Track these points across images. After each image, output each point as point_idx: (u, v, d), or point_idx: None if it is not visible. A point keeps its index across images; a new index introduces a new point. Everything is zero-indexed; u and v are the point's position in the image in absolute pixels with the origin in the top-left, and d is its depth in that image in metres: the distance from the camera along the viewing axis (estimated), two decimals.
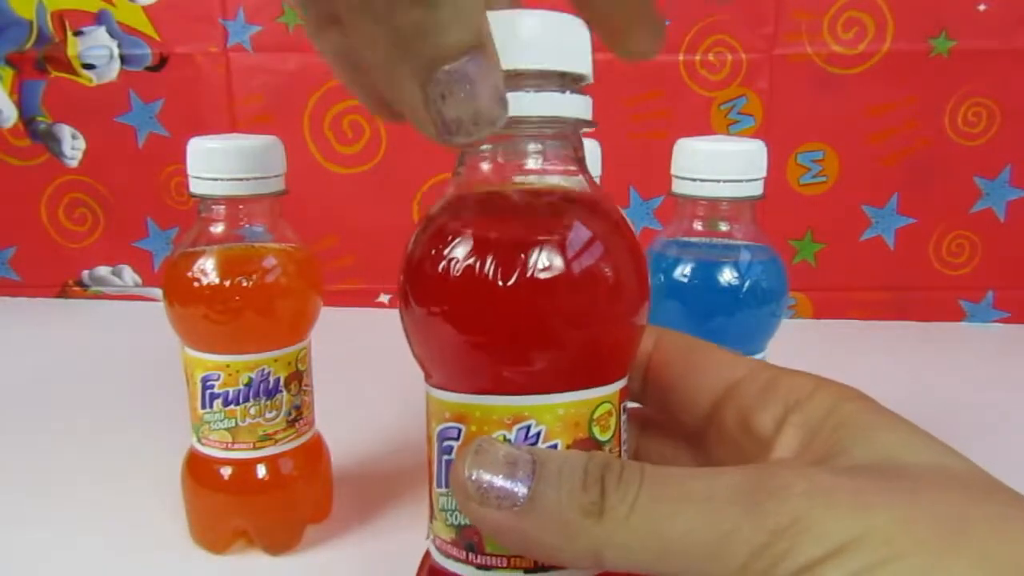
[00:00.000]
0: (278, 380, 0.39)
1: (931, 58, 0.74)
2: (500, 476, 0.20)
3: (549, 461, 0.20)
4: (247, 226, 0.39)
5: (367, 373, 0.64)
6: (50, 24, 0.78)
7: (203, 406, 0.39)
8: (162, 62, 0.78)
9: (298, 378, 0.40)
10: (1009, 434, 0.54)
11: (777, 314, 0.39)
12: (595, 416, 0.22)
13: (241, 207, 0.39)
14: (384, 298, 0.83)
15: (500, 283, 0.20)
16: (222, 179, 0.37)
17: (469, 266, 0.21)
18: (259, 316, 0.38)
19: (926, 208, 0.78)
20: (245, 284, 0.38)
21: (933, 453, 0.20)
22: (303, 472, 0.42)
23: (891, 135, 0.76)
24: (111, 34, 0.78)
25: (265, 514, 0.41)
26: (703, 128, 0.77)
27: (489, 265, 0.20)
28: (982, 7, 0.73)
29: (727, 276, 0.38)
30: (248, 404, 0.39)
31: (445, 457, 0.22)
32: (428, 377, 0.23)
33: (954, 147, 0.76)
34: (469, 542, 0.22)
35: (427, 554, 0.25)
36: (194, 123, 0.78)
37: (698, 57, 0.75)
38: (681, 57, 0.76)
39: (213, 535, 0.41)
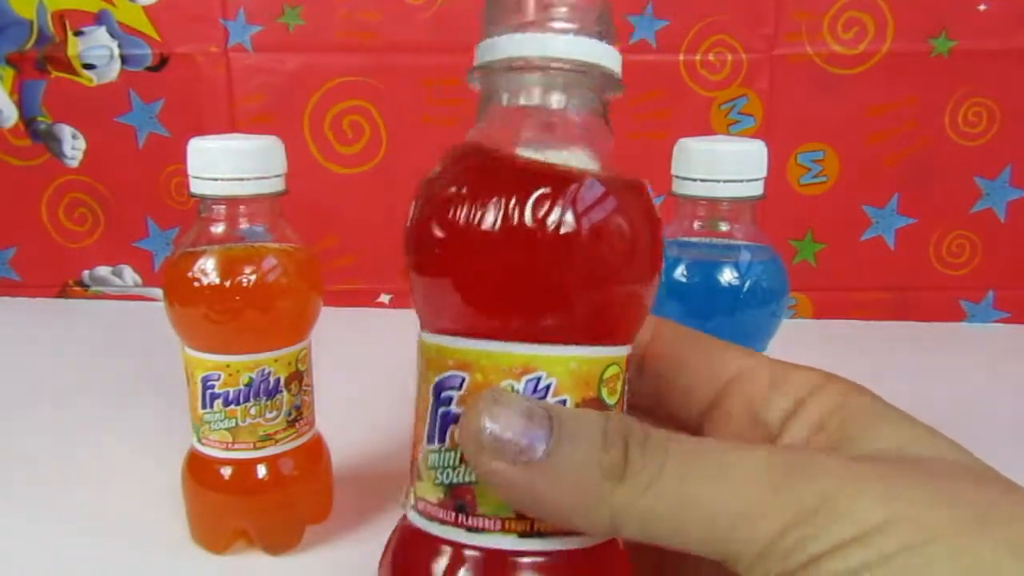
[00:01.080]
0: (278, 380, 0.39)
1: (931, 58, 0.74)
2: (518, 428, 0.19)
3: (567, 418, 0.19)
4: (247, 226, 0.39)
5: (367, 373, 0.64)
6: (50, 24, 0.78)
7: (203, 406, 0.39)
8: (162, 62, 0.78)
9: (298, 378, 0.40)
10: (1009, 434, 0.54)
11: (777, 314, 0.39)
12: (604, 377, 0.21)
13: (241, 207, 0.39)
14: (384, 298, 0.83)
15: (521, 224, 0.20)
16: (222, 179, 0.37)
17: (490, 206, 0.20)
18: (259, 316, 0.38)
19: (926, 208, 0.78)
20: (245, 284, 0.38)
21: (942, 448, 0.20)
22: (303, 472, 0.42)
23: (891, 135, 0.76)
24: (111, 34, 0.78)
25: (265, 514, 0.41)
26: (703, 128, 0.77)
27: (511, 207, 0.20)
28: (982, 7, 0.73)
29: (727, 276, 0.38)
30: (248, 404, 0.39)
31: (442, 409, 0.21)
32: (429, 324, 0.22)
33: (954, 147, 0.76)
34: (460, 502, 0.21)
35: (401, 522, 0.23)
36: (194, 123, 0.78)
37: (698, 57, 0.75)
38: (681, 57, 0.76)
39: (213, 535, 0.41)
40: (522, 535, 0.20)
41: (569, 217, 0.20)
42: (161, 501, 0.44)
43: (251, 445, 0.39)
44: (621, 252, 0.21)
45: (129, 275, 0.85)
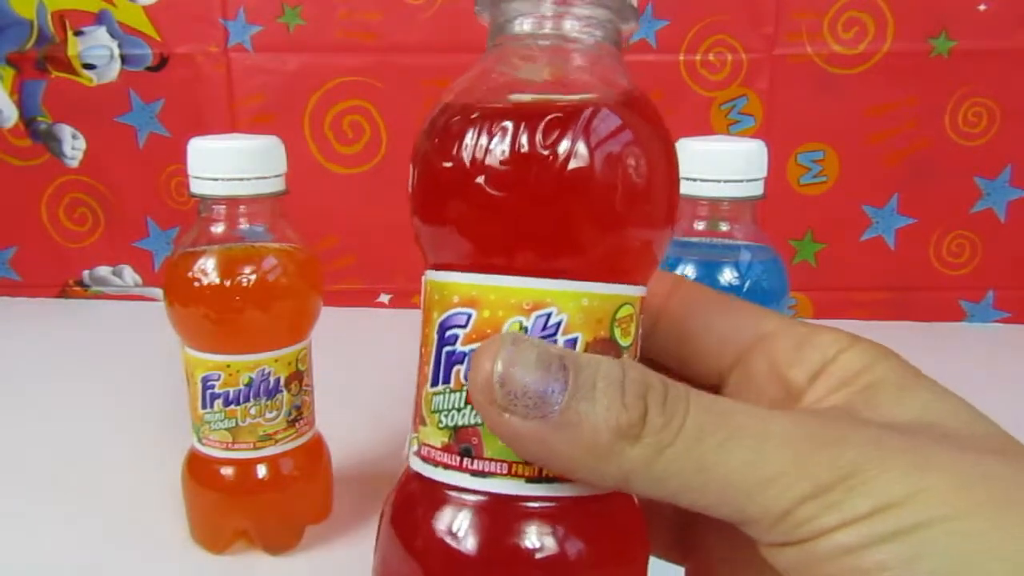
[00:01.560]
0: (278, 380, 0.39)
1: (931, 58, 0.74)
2: (532, 381, 0.18)
3: (582, 369, 0.18)
4: (247, 226, 0.39)
5: (367, 373, 0.64)
6: (51, 24, 0.78)
7: (203, 406, 0.39)
8: (162, 62, 0.78)
9: (298, 378, 0.40)
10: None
11: None
12: (617, 316, 0.20)
13: (241, 207, 0.39)
14: (384, 298, 0.83)
15: (529, 154, 0.19)
16: (222, 179, 0.37)
17: (497, 134, 0.19)
18: (259, 316, 0.38)
19: (926, 208, 0.78)
20: (245, 284, 0.38)
21: (969, 419, 0.19)
22: (303, 472, 0.42)
23: (891, 135, 0.76)
24: (111, 34, 0.78)
25: (265, 514, 0.41)
26: (703, 128, 0.77)
27: (519, 135, 0.19)
28: (982, 7, 0.73)
29: (728, 276, 0.38)
30: (248, 404, 0.39)
31: (447, 348, 0.20)
32: (434, 260, 0.21)
33: (954, 147, 0.76)
34: (465, 446, 0.20)
35: (404, 473, 0.22)
36: (194, 123, 0.78)
37: (698, 57, 0.75)
38: (681, 57, 0.76)
39: (213, 535, 0.41)
40: (530, 480, 0.20)
41: (581, 148, 0.19)
42: (161, 501, 0.44)
43: (251, 445, 0.39)
44: (635, 188, 0.20)
45: (129, 275, 0.85)
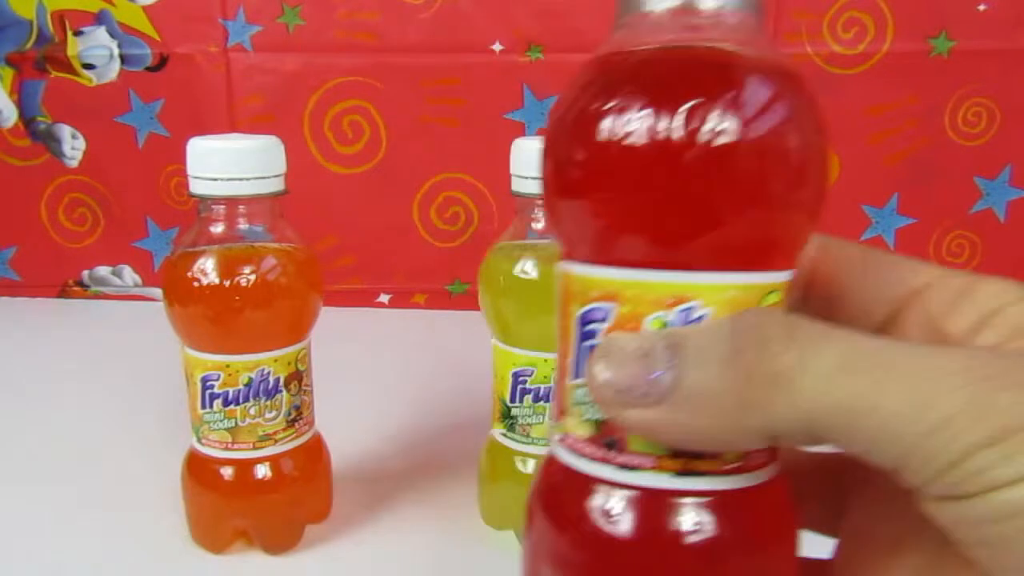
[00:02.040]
0: (278, 380, 0.39)
1: (931, 58, 0.74)
2: (633, 371, 0.17)
3: (688, 337, 0.17)
4: (247, 226, 0.39)
5: (367, 373, 0.64)
6: (50, 24, 0.78)
7: (203, 406, 0.39)
8: (162, 62, 0.78)
9: (298, 378, 0.40)
10: None
11: None
12: (764, 304, 0.19)
13: (241, 207, 0.39)
14: (384, 298, 0.83)
15: (671, 135, 0.18)
16: (222, 179, 0.37)
17: (635, 115, 0.18)
18: (259, 316, 0.38)
19: (926, 208, 0.78)
20: (245, 284, 0.38)
21: None
22: (303, 472, 0.42)
23: (891, 135, 0.76)
24: (111, 34, 0.78)
25: (265, 514, 0.41)
26: None
27: (660, 115, 0.18)
28: (982, 7, 0.73)
29: None
30: (248, 404, 0.39)
31: (587, 343, 0.20)
32: (570, 252, 0.21)
33: (954, 147, 0.76)
34: (610, 439, 0.20)
35: (547, 460, 0.22)
36: (194, 123, 0.78)
37: None
38: None
39: (213, 535, 0.41)
40: (678, 474, 0.19)
41: (729, 126, 0.17)
42: (161, 501, 0.44)
43: (251, 445, 0.39)
44: (788, 168, 0.18)
45: (129, 275, 0.85)
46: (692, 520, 0.19)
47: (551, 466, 0.22)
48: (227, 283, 0.38)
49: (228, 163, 0.37)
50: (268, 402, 0.39)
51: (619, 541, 0.19)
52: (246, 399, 0.38)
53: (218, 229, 0.39)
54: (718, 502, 0.19)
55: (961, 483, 0.15)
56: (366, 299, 0.83)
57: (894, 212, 0.79)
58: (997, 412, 0.15)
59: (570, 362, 0.20)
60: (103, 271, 0.85)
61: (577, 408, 0.20)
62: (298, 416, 0.40)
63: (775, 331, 0.16)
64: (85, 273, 0.85)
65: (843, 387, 0.16)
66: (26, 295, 0.85)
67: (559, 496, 0.21)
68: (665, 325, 0.19)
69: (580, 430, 0.20)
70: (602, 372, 0.18)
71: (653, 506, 0.19)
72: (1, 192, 0.83)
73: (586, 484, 0.20)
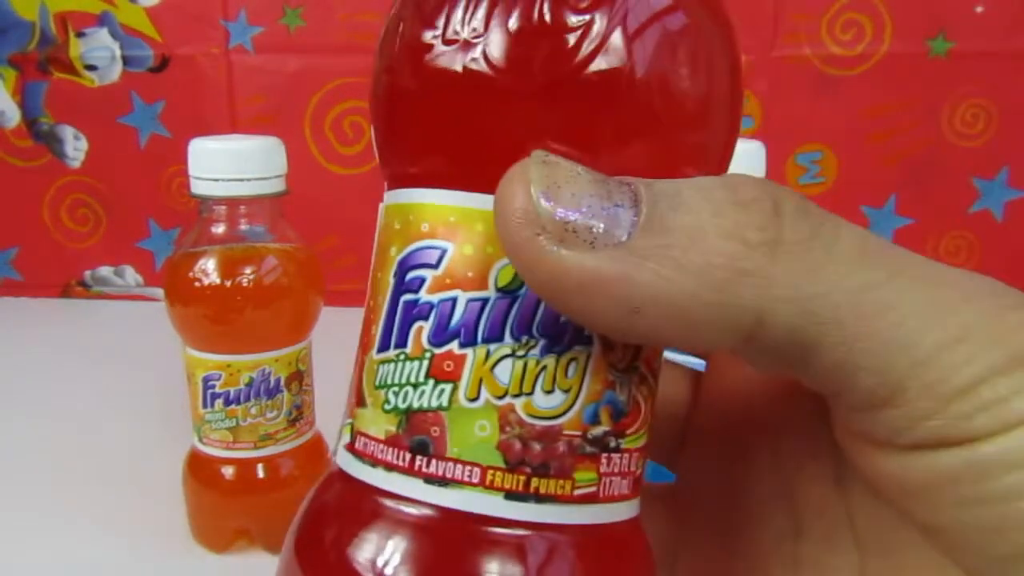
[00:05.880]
0: (279, 380, 0.39)
1: (929, 59, 0.74)
2: (590, 193, 0.12)
3: (654, 183, 0.13)
4: (248, 226, 0.39)
5: None
6: (52, 26, 0.78)
7: (204, 406, 0.39)
8: (164, 63, 0.78)
9: (299, 378, 0.40)
10: None
11: None
12: None
13: (242, 207, 0.39)
14: None
15: (548, 23, 0.13)
16: (223, 180, 0.37)
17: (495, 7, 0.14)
18: (260, 316, 0.38)
19: (924, 209, 0.78)
20: (246, 284, 0.38)
21: None
22: (304, 471, 0.42)
23: (889, 136, 0.77)
24: (113, 35, 0.78)
25: (266, 513, 0.41)
26: None
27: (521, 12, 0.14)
28: (979, 9, 0.73)
29: None
30: (249, 404, 0.39)
31: (407, 298, 0.14)
32: (398, 171, 0.16)
33: (952, 148, 0.76)
34: (420, 438, 0.14)
35: (321, 481, 0.16)
36: (195, 124, 0.78)
37: None
38: None
39: (214, 534, 0.41)
40: (511, 495, 0.14)
41: (613, 29, 0.14)
42: (162, 500, 0.44)
43: (252, 444, 0.40)
44: (684, 83, 0.14)
45: (131, 275, 0.85)
46: (515, 565, 0.14)
47: (327, 480, 0.16)
48: (228, 283, 0.38)
49: (229, 164, 0.38)
50: (269, 402, 0.39)
51: None
52: (247, 399, 0.39)
53: (219, 229, 0.39)
54: (560, 541, 0.14)
55: (967, 418, 0.12)
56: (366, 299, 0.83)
57: (892, 213, 0.79)
58: (1010, 332, 0.12)
59: (378, 329, 0.15)
60: (105, 271, 0.85)
61: (379, 393, 0.15)
62: (299, 416, 0.41)
63: (788, 196, 0.13)
64: (87, 273, 0.85)
65: (861, 275, 0.12)
66: (28, 295, 0.85)
67: (327, 519, 0.15)
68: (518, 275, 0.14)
69: (377, 425, 0.14)
70: (538, 187, 0.12)
71: (466, 543, 0.14)
72: (4, 192, 0.83)
73: (373, 502, 0.14)
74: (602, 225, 0.12)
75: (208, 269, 0.38)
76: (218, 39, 0.77)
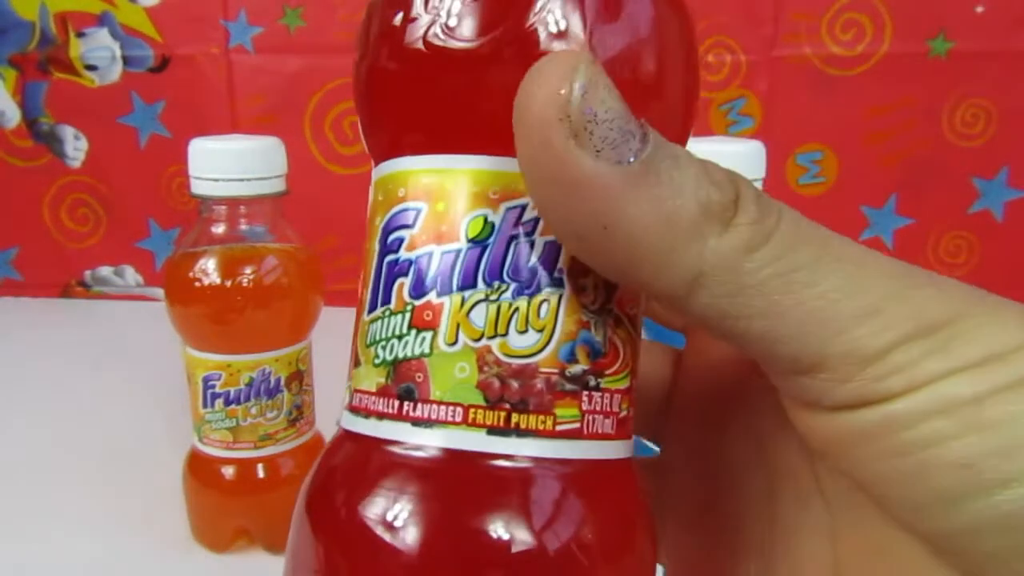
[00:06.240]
0: (279, 380, 0.39)
1: (929, 59, 0.74)
2: (617, 109, 0.13)
3: (663, 140, 0.14)
4: (248, 226, 0.39)
5: None
6: (53, 26, 0.78)
7: (204, 405, 0.39)
8: (164, 63, 0.78)
9: (299, 378, 0.40)
10: None
11: None
12: None
13: (242, 207, 0.39)
14: None
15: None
16: (223, 180, 0.38)
17: None
18: (260, 316, 0.38)
19: (924, 209, 0.78)
20: (246, 284, 0.38)
21: None
22: (304, 471, 0.42)
23: (889, 136, 0.77)
24: (113, 35, 0.78)
25: (266, 513, 0.41)
26: (702, 129, 0.77)
27: None
28: (980, 9, 0.73)
29: None
30: (249, 404, 0.39)
31: (389, 258, 0.16)
32: (384, 145, 0.17)
33: (952, 148, 0.76)
34: (406, 386, 0.15)
35: (330, 442, 0.18)
36: (196, 124, 0.78)
37: None
38: None
39: (215, 534, 0.42)
40: (493, 431, 0.15)
41: None
42: (163, 500, 0.44)
43: (252, 444, 0.40)
44: (642, 44, 0.15)
45: (131, 275, 0.85)
46: (505, 496, 0.15)
47: (334, 442, 0.17)
48: (228, 283, 0.38)
49: (229, 164, 0.38)
50: (269, 401, 0.39)
51: (401, 526, 0.14)
52: (247, 399, 0.39)
53: (219, 229, 0.39)
54: (543, 474, 0.15)
55: (883, 380, 0.14)
56: None
57: (892, 213, 0.79)
58: (920, 306, 0.14)
59: (368, 293, 0.16)
60: (105, 271, 0.85)
61: (369, 350, 0.16)
62: (299, 415, 0.41)
63: (748, 189, 0.15)
64: (87, 273, 0.85)
65: (790, 257, 0.14)
66: (29, 295, 0.86)
67: (333, 474, 0.17)
68: (489, 225, 0.15)
69: (370, 380, 0.16)
70: (579, 79, 0.13)
71: (453, 476, 0.15)
72: (4, 192, 0.83)
73: (368, 452, 0.16)
74: (614, 140, 0.13)
75: (208, 269, 0.38)
76: (218, 39, 0.77)
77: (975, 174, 0.77)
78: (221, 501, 0.41)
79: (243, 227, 0.39)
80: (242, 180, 0.38)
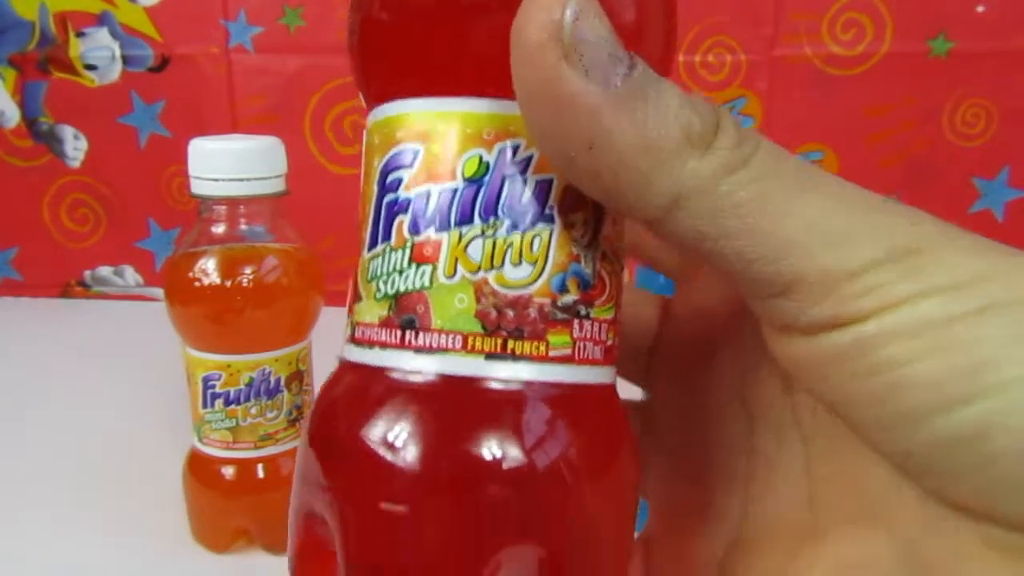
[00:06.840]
0: (279, 380, 0.39)
1: (929, 59, 0.74)
2: (606, 34, 0.14)
3: (648, 69, 0.15)
4: (248, 226, 0.39)
5: None
6: (52, 25, 0.78)
7: (204, 406, 0.39)
8: (164, 63, 0.78)
9: (299, 378, 0.40)
10: None
11: None
12: None
13: (242, 207, 0.39)
14: None
15: None
16: (223, 180, 0.38)
17: None
18: (260, 316, 0.38)
19: (925, 209, 0.76)
20: (246, 284, 0.38)
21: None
22: None
23: (890, 136, 0.77)
24: (113, 35, 0.78)
25: (266, 513, 0.41)
26: None
27: None
28: (980, 8, 0.73)
29: None
30: (249, 404, 0.39)
31: (389, 197, 0.16)
32: (378, 90, 0.18)
33: (952, 148, 0.76)
34: (408, 316, 0.16)
35: (330, 377, 0.18)
36: (195, 124, 0.78)
37: (698, 58, 0.76)
38: (681, 58, 0.76)
39: (214, 534, 0.42)
40: (491, 356, 0.16)
41: None
42: (162, 501, 0.44)
43: (252, 444, 0.40)
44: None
45: (131, 275, 0.85)
46: (504, 417, 0.16)
47: (336, 372, 0.18)
48: (228, 283, 0.38)
49: (229, 164, 0.38)
50: (269, 402, 0.39)
51: (405, 444, 0.15)
52: (247, 399, 0.39)
53: (219, 229, 0.39)
54: (538, 397, 0.16)
55: (853, 301, 0.14)
56: None
57: None
58: (891, 233, 0.15)
59: (367, 231, 0.17)
60: (105, 271, 0.85)
61: (370, 285, 0.17)
62: (299, 416, 0.41)
63: (729, 117, 0.15)
64: (87, 273, 0.85)
65: (767, 182, 0.15)
66: (28, 295, 0.85)
67: (335, 400, 0.17)
68: (484, 164, 0.16)
69: (372, 314, 0.17)
70: (568, 10, 0.14)
71: (453, 399, 0.16)
72: (3, 192, 0.83)
73: (372, 380, 0.16)
74: (602, 63, 0.14)
75: (208, 269, 0.38)
76: (218, 39, 0.77)
77: (976, 174, 0.77)
78: (221, 501, 0.41)
79: (243, 227, 0.39)
80: (242, 180, 0.38)
